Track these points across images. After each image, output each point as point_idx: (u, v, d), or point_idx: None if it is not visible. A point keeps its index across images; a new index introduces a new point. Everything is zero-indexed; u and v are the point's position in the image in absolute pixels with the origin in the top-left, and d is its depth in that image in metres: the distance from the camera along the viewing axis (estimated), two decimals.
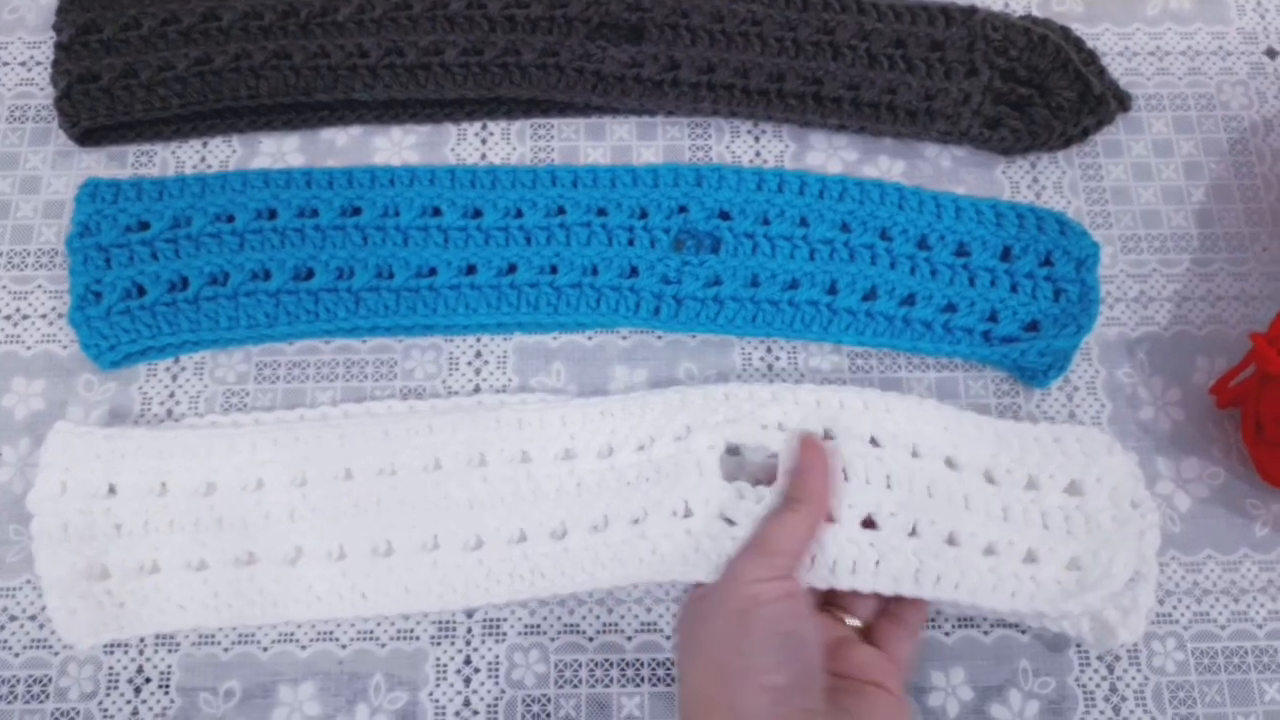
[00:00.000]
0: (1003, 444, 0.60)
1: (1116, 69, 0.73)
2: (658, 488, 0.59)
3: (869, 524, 0.57)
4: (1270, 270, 0.68)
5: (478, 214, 0.67)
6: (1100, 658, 0.61)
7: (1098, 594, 0.55)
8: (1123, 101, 0.70)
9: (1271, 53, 0.74)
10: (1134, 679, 0.60)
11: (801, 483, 0.56)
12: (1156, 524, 0.58)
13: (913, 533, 0.57)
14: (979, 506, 0.58)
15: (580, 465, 0.60)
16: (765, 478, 0.59)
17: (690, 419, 0.60)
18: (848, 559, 0.57)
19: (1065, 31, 0.71)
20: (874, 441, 0.59)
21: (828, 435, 0.59)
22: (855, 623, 0.57)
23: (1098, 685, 0.60)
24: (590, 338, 0.67)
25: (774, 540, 0.53)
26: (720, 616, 0.51)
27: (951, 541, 0.57)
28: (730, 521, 0.58)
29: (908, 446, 0.59)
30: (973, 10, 0.70)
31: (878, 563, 0.57)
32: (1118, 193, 0.70)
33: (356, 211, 0.67)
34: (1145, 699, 0.60)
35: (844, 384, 0.65)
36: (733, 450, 0.60)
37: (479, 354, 0.66)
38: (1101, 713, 0.60)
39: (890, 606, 0.57)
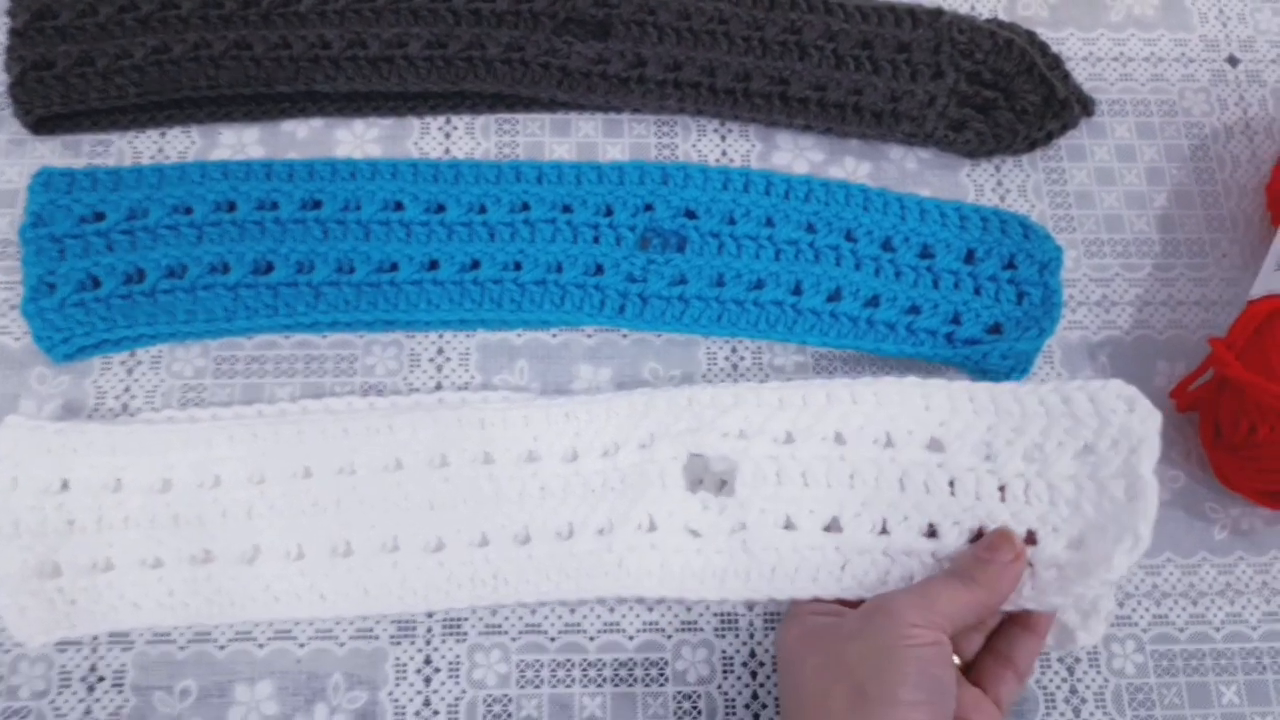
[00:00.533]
0: (1002, 413, 0.57)
1: (1080, 74, 0.73)
2: (623, 498, 0.58)
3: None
4: (1230, 275, 0.69)
5: (440, 209, 0.66)
6: (1060, 659, 0.61)
7: (1091, 583, 0.53)
8: (1086, 106, 0.70)
9: (1233, 60, 0.74)
10: (1094, 681, 0.60)
11: (990, 574, 0.54)
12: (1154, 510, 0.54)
13: (883, 531, 0.57)
14: (967, 489, 0.56)
15: (544, 468, 0.59)
16: (728, 482, 0.59)
17: (654, 426, 0.59)
18: (810, 566, 0.56)
19: (1030, 36, 0.71)
20: (839, 438, 0.58)
21: (790, 439, 0.59)
22: (956, 660, 0.55)
23: (1058, 687, 0.60)
24: (555, 335, 0.66)
25: (940, 601, 0.52)
26: (865, 643, 0.51)
27: (931, 534, 0.56)
28: (695, 534, 0.58)
29: (878, 438, 0.58)
30: (939, 13, 0.70)
31: (843, 567, 0.57)
32: (1081, 197, 0.70)
33: (317, 205, 0.66)
34: (1105, 701, 0.60)
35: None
36: (695, 454, 0.60)
37: (441, 350, 0.65)
38: (1062, 714, 0.60)
39: (999, 645, 0.56)
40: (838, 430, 0.58)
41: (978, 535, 0.56)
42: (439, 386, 0.64)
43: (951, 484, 0.57)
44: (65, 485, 0.59)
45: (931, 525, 0.57)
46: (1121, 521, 0.54)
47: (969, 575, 0.54)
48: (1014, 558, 0.54)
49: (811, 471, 0.58)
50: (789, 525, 0.57)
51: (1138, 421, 0.55)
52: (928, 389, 0.58)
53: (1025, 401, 0.57)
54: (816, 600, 0.57)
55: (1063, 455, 0.56)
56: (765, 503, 0.57)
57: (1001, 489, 0.56)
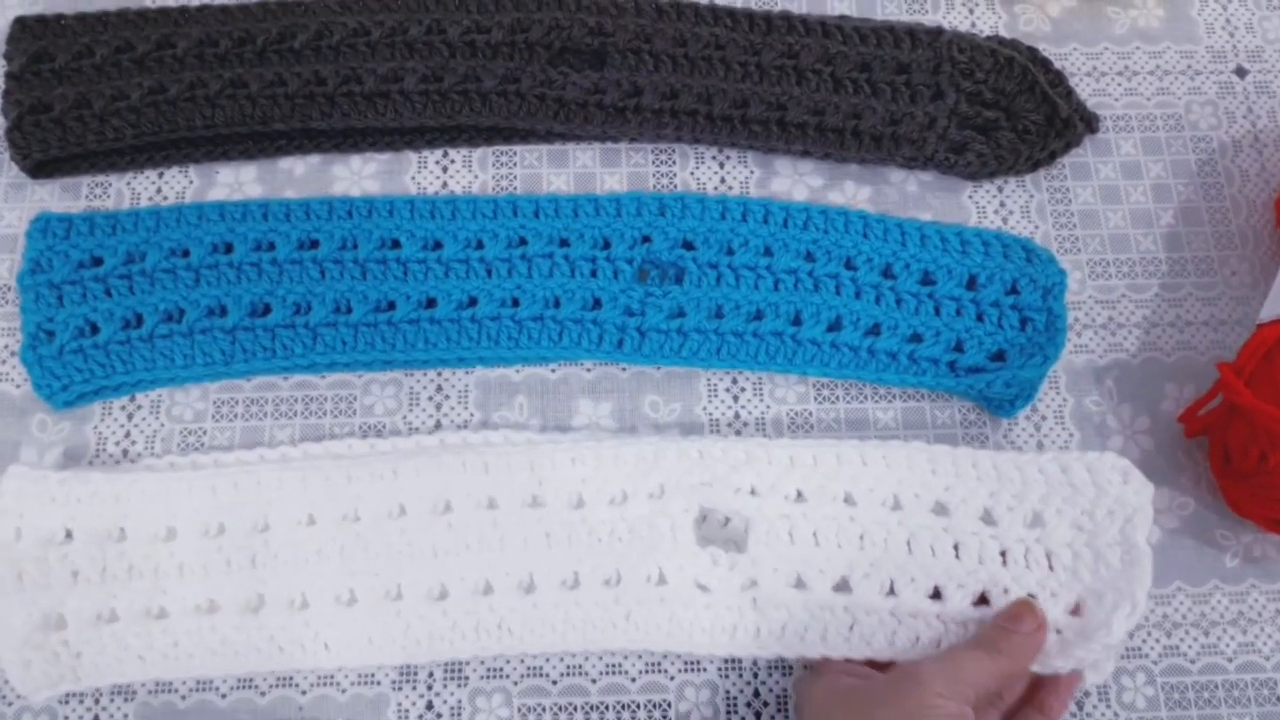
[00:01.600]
0: (1004, 480, 0.59)
1: (1084, 89, 0.72)
2: (631, 549, 0.58)
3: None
4: (1240, 294, 0.68)
5: (437, 246, 0.66)
6: None
7: (1092, 648, 0.55)
8: (1090, 123, 0.69)
9: (1241, 71, 0.73)
10: (1104, 716, 0.60)
11: (1014, 642, 0.54)
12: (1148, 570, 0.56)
13: (891, 592, 0.57)
14: (971, 553, 0.57)
15: (549, 515, 0.58)
16: (736, 539, 0.58)
17: (664, 478, 0.59)
18: (819, 625, 0.56)
19: (1033, 52, 0.70)
20: (849, 499, 0.58)
21: (801, 498, 0.59)
22: None
23: None
24: (554, 370, 0.66)
25: (966, 670, 0.53)
26: (893, 710, 0.51)
27: (935, 596, 0.57)
28: (704, 589, 0.57)
29: (886, 500, 0.58)
30: (939, 32, 0.69)
31: (851, 627, 0.56)
32: (1086, 216, 0.69)
33: (314, 244, 0.66)
34: None
35: (811, 417, 0.65)
36: (707, 508, 0.59)
37: (440, 388, 0.65)
38: None
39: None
40: (848, 491, 0.59)
41: (981, 598, 0.57)
42: (438, 425, 0.64)
43: (956, 548, 0.57)
44: (69, 535, 0.59)
45: (937, 588, 0.57)
46: (1119, 588, 0.56)
47: (993, 645, 0.54)
48: (1036, 627, 0.55)
49: (823, 531, 0.58)
50: (799, 584, 0.57)
51: (1132, 493, 0.57)
52: (933, 454, 0.59)
53: (1025, 470, 0.59)
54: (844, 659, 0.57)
55: (1061, 523, 0.58)
56: (778, 561, 0.57)
57: (1003, 554, 0.57)
